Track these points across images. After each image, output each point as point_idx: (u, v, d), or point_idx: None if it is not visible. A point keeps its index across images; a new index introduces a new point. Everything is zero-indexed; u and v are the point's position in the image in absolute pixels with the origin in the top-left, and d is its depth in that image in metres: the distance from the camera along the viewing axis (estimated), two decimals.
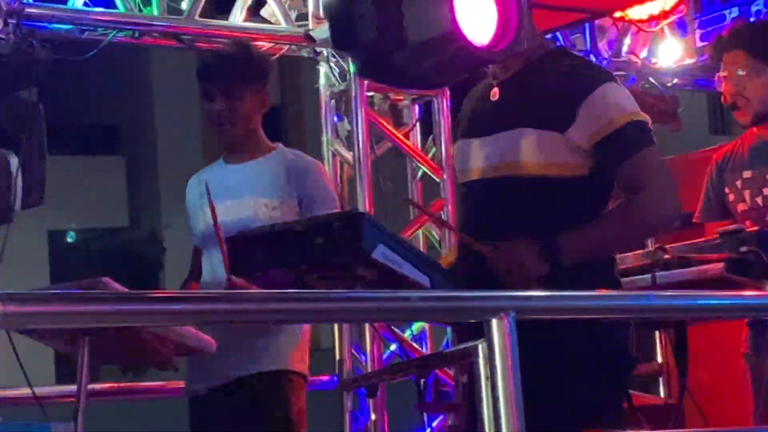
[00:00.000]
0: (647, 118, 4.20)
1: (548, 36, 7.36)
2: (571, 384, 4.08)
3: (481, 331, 3.38)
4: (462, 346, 3.63)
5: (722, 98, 5.51)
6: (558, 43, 7.54)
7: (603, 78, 4.18)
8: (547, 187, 4.15)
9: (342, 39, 4.21)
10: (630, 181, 4.12)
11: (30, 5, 5.78)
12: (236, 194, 5.25)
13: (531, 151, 4.14)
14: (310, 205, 5.19)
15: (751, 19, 6.81)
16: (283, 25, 6.37)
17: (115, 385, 5.96)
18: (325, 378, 5.66)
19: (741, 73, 5.40)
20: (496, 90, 4.29)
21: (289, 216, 5.16)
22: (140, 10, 5.99)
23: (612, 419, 4.19)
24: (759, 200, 5.40)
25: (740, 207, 5.45)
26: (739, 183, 5.47)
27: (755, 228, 4.96)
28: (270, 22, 6.44)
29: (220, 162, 5.44)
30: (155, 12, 6.01)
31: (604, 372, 4.15)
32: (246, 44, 5.65)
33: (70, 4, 5.88)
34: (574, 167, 4.14)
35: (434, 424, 5.97)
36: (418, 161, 6.67)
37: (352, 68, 6.24)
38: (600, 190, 4.20)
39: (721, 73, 5.46)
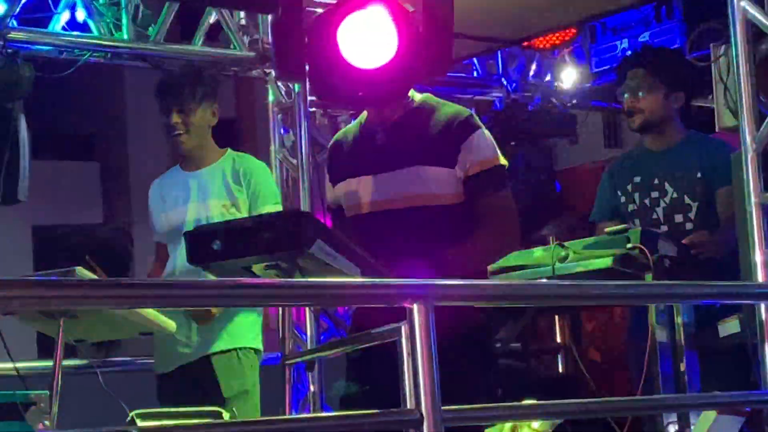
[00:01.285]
0: (506, 162, 4.30)
1: (465, 62, 7.37)
2: (475, 360, 4.11)
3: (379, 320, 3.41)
4: (387, 327, 3.62)
5: (622, 107, 5.59)
6: (474, 69, 7.55)
7: (476, 126, 4.27)
8: (438, 214, 4.20)
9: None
10: (486, 212, 4.21)
11: (15, 29, 5.74)
12: (196, 198, 5.25)
13: (429, 184, 4.20)
14: (257, 201, 5.22)
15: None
16: (238, 49, 6.34)
17: (90, 360, 5.90)
18: (271, 354, 5.63)
19: (640, 87, 5.47)
20: (380, 134, 4.31)
21: (241, 211, 5.19)
22: (112, 35, 5.94)
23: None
24: (647, 201, 5.44)
25: (630, 207, 5.49)
26: (629, 187, 5.51)
27: (640, 228, 4.98)
28: (225, 46, 6.40)
29: (177, 169, 5.42)
30: (125, 36, 5.96)
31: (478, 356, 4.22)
32: (197, 67, 5.66)
33: (50, 29, 5.84)
34: (459, 196, 4.21)
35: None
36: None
37: (296, 87, 6.23)
38: (467, 217, 4.25)
39: (624, 88, 5.53)
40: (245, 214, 5.13)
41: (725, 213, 5.16)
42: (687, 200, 5.37)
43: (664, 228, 5.32)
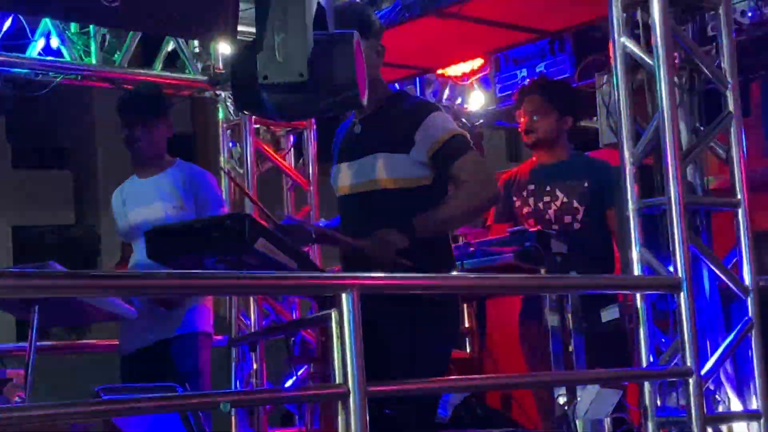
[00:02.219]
0: (465, 132, 4.21)
1: (388, 86, 7.36)
2: (407, 344, 4.03)
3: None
4: (320, 313, 3.59)
5: (519, 126, 5.61)
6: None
7: (431, 109, 4.18)
8: (399, 196, 4.11)
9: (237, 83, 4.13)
10: (458, 178, 4.08)
11: None
12: (149, 201, 5.20)
13: (386, 170, 4.13)
14: (204, 205, 5.18)
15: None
16: (192, 73, 6.28)
17: (61, 342, 5.83)
18: (219, 337, 5.58)
19: (535, 111, 5.50)
20: (358, 126, 4.28)
21: (189, 214, 5.14)
22: (82, 60, 5.89)
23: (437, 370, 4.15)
24: (540, 205, 5.47)
25: (525, 210, 5.51)
26: (525, 193, 5.53)
27: (536, 228, 4.99)
28: (182, 71, 6.35)
29: (134, 177, 5.39)
30: (93, 61, 5.92)
31: (432, 337, 4.10)
32: (155, 85, 5.61)
33: (27, 54, 5.77)
34: (418, 180, 4.11)
35: (300, 372, 5.91)
36: (292, 177, 6.63)
37: None
38: (438, 195, 4.14)
39: (522, 111, 5.55)
40: (193, 216, 5.09)
41: (614, 229, 5.20)
42: (575, 204, 5.40)
43: (556, 227, 5.35)
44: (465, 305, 6.41)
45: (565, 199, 5.43)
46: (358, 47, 3.91)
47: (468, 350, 6.44)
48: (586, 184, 5.40)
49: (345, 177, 4.25)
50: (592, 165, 5.51)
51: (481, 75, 7.27)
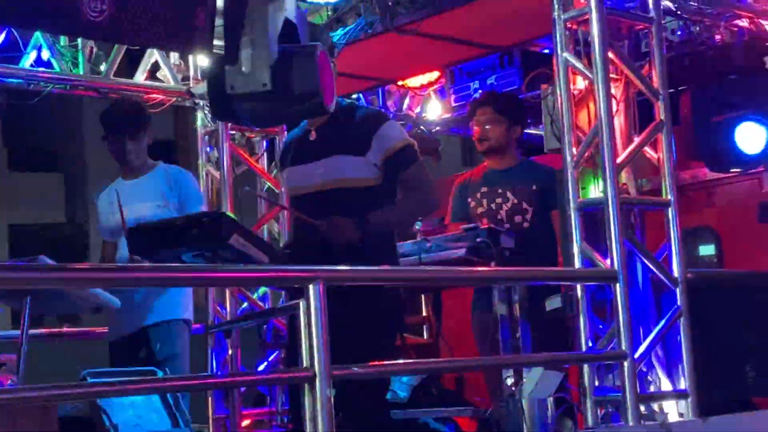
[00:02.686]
0: (414, 142, 4.30)
1: (354, 96, 7.36)
2: (365, 331, 4.08)
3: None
4: (289, 303, 3.60)
5: (473, 135, 5.64)
6: (359, 101, 7.54)
7: (384, 117, 4.29)
8: (354, 193, 4.18)
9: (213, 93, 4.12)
10: (407, 183, 4.22)
11: None
12: (136, 200, 5.19)
13: (346, 170, 4.18)
14: (185, 203, 5.18)
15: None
16: (173, 83, 6.26)
17: (53, 330, 5.79)
18: (197, 326, 5.57)
19: (487, 121, 5.53)
20: (314, 132, 4.31)
21: (173, 211, 5.13)
22: (71, 71, 5.85)
23: (390, 354, 4.20)
24: (493, 206, 5.49)
25: (479, 210, 5.54)
26: (478, 195, 5.56)
27: (487, 226, 5.02)
28: (163, 82, 6.32)
29: (120, 180, 5.37)
30: (81, 72, 5.88)
31: (385, 324, 4.19)
32: (137, 101, 5.63)
33: (21, 65, 5.73)
34: (372, 180, 4.20)
35: (271, 357, 5.91)
36: (265, 179, 6.61)
37: None
38: (388, 193, 4.25)
39: (475, 121, 5.58)
40: (176, 213, 5.08)
41: (557, 228, 5.24)
42: (524, 205, 5.43)
43: (507, 226, 5.38)
44: (423, 296, 6.44)
45: (515, 201, 5.46)
46: (323, 58, 3.93)
47: (425, 336, 6.46)
48: (533, 187, 5.43)
49: (303, 177, 4.28)
50: (538, 170, 5.55)
51: (437, 86, 7.29)
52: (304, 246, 4.19)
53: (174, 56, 6.28)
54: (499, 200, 5.50)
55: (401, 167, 4.19)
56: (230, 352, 5.76)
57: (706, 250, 5.89)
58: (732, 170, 5.62)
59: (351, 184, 4.17)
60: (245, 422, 5.78)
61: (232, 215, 4.53)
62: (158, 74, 6.35)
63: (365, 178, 4.18)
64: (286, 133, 6.77)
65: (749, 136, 5.28)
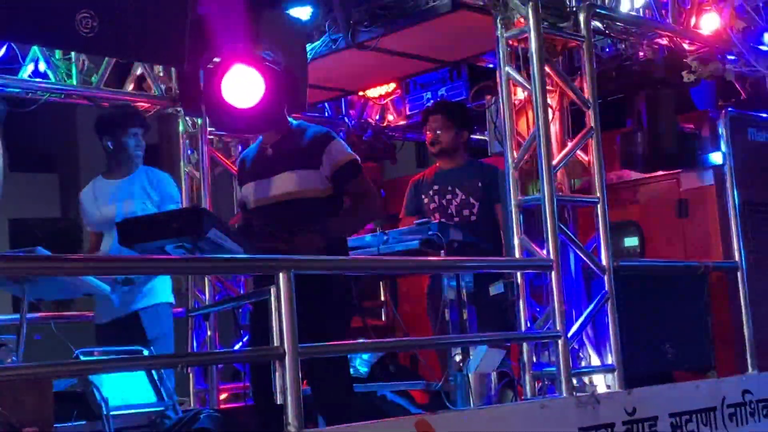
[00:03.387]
0: (358, 157, 4.34)
1: (319, 105, 7.33)
2: (323, 311, 4.10)
3: (271, 280, 3.36)
4: (261, 289, 3.59)
5: (426, 140, 5.65)
6: (325, 110, 7.52)
7: (332, 136, 4.32)
8: (310, 203, 4.22)
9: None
10: (354, 193, 4.27)
11: None
12: (122, 198, 5.15)
13: (302, 183, 4.21)
14: (166, 201, 5.16)
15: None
16: (156, 92, 6.20)
17: (48, 313, 5.71)
18: (179, 309, 5.53)
19: (439, 127, 5.54)
20: (270, 149, 4.31)
21: (154, 208, 5.10)
22: (65, 81, 5.76)
23: (344, 333, 4.21)
24: (444, 202, 5.52)
25: (432, 206, 5.55)
26: (431, 192, 5.58)
27: (438, 220, 5.03)
28: (148, 91, 6.25)
29: (101, 178, 5.33)
30: (74, 82, 5.79)
31: (339, 308, 4.21)
32: (132, 107, 5.59)
33: (19, 76, 5.64)
34: (324, 191, 4.24)
35: (245, 338, 5.86)
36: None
37: (199, 121, 6.12)
38: (335, 203, 4.29)
39: (428, 127, 5.58)
40: (157, 210, 5.06)
41: (500, 220, 5.26)
42: (472, 200, 5.46)
43: (456, 219, 5.40)
44: (381, 283, 6.45)
45: (463, 197, 5.49)
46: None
47: (383, 319, 6.47)
48: (479, 184, 5.46)
49: (264, 190, 4.29)
50: (483, 168, 5.57)
51: (394, 97, 7.29)
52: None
53: (158, 68, 6.22)
54: (449, 196, 5.53)
55: (347, 179, 4.24)
56: (209, 333, 5.72)
57: (631, 241, 5.94)
58: (659, 172, 5.67)
59: (306, 194, 4.22)
60: (223, 395, 5.75)
61: (211, 211, 4.50)
62: (144, 85, 6.28)
63: (318, 189, 4.23)
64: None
65: None
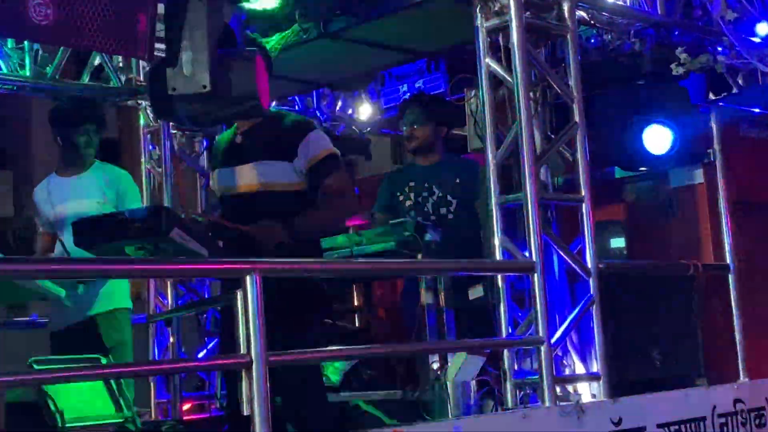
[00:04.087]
0: (337, 151, 4.31)
1: (290, 98, 7.32)
2: (293, 320, 4.10)
3: (238, 283, 3.36)
4: (227, 293, 3.58)
5: (403, 133, 5.66)
6: (296, 103, 7.51)
7: (311, 126, 4.29)
8: (280, 197, 4.20)
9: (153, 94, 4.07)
10: (330, 189, 4.23)
11: None
12: (76, 196, 5.13)
13: (273, 175, 4.18)
14: (123, 199, 5.13)
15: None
16: (116, 83, 6.17)
17: None
18: (139, 315, 5.52)
19: (415, 121, 5.55)
20: (240, 137, 4.28)
21: (110, 207, 5.08)
22: (17, 72, 5.73)
23: (318, 335, 4.21)
24: (419, 199, 5.54)
25: (407, 203, 5.57)
26: (407, 189, 5.59)
27: (414, 221, 5.05)
28: (107, 82, 6.22)
29: (54, 176, 5.30)
30: (28, 73, 5.75)
31: (310, 313, 4.21)
32: (89, 99, 5.56)
33: None
34: (297, 185, 4.21)
35: (210, 345, 5.86)
36: (204, 177, 6.56)
37: None
38: (310, 198, 4.27)
39: (404, 121, 5.60)
40: (113, 209, 5.04)
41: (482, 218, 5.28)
42: (449, 198, 5.48)
43: (433, 218, 5.42)
44: (354, 286, 6.44)
45: (440, 194, 5.50)
46: (260, 62, 3.91)
47: (357, 324, 6.47)
48: (457, 180, 5.48)
49: (230, 179, 4.27)
50: (462, 163, 5.59)
51: (369, 89, 7.28)
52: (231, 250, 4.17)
53: (117, 58, 6.18)
54: (425, 194, 5.54)
55: (324, 175, 4.21)
56: (171, 340, 5.71)
57: (617, 242, 5.97)
58: (641, 168, 5.70)
59: (277, 188, 4.19)
60: (186, 406, 5.74)
61: (173, 209, 4.49)
62: (103, 75, 6.25)
63: (290, 183, 4.20)
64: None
65: (656, 137, 5.36)
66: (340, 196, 4.22)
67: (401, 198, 5.61)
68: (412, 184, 5.59)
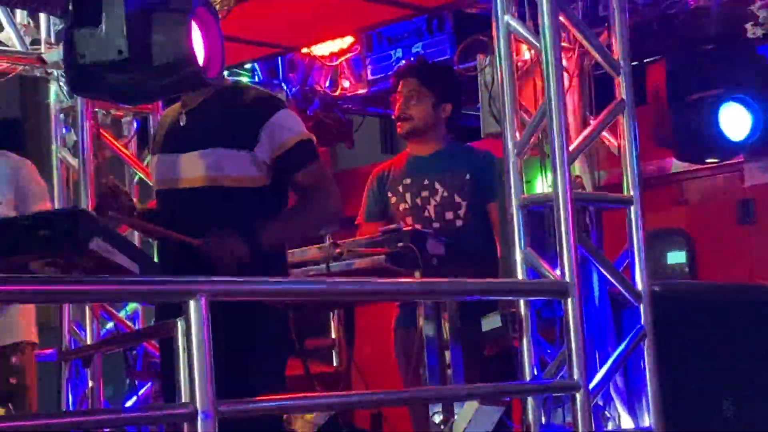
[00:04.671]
0: (312, 136, 4.33)
1: (247, 66, 7.34)
2: (246, 357, 4.11)
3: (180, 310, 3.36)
4: (164, 322, 3.58)
5: (393, 114, 5.67)
6: (256, 73, 7.53)
7: (278, 104, 4.29)
8: (236, 195, 4.20)
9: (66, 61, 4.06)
10: (303, 186, 4.24)
11: None
12: None
13: (226, 166, 4.18)
14: (24, 198, 5.13)
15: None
16: (19, 48, 6.16)
17: None
18: (47, 351, 5.52)
19: (411, 96, 5.56)
20: (183, 116, 4.29)
21: (8, 209, 5.07)
22: None
23: (278, 384, 4.21)
24: (418, 201, 5.55)
25: (402, 207, 5.58)
26: (400, 188, 5.60)
27: (410, 228, 5.06)
28: (6, 46, 6.21)
29: None
30: None
31: (271, 349, 4.21)
32: None
33: None
34: (258, 179, 4.21)
35: (142, 391, 5.85)
36: (135, 168, 6.55)
37: None
38: (278, 196, 4.27)
39: (397, 94, 5.61)
40: (12, 213, 5.03)
41: (496, 224, 5.28)
42: (457, 199, 5.49)
43: (436, 225, 5.43)
44: (331, 314, 6.45)
45: (445, 194, 5.51)
46: (204, 17, 3.90)
47: (334, 363, 6.47)
48: (467, 176, 5.48)
49: (171, 169, 4.28)
50: (473, 155, 5.60)
51: (351, 55, 7.32)
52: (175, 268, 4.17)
53: (22, 14, 6.18)
54: (425, 193, 5.55)
55: (296, 168, 4.21)
56: (90, 384, 5.70)
57: (676, 257, 5.99)
58: (708, 161, 5.73)
59: (231, 183, 4.19)
60: None
61: (92, 213, 4.48)
62: (1, 36, 6.24)
63: (250, 177, 4.20)
64: (162, 111, 6.73)
65: (730, 120, 5.39)
66: (317, 196, 4.22)
67: (394, 200, 5.61)
68: (407, 181, 5.60)
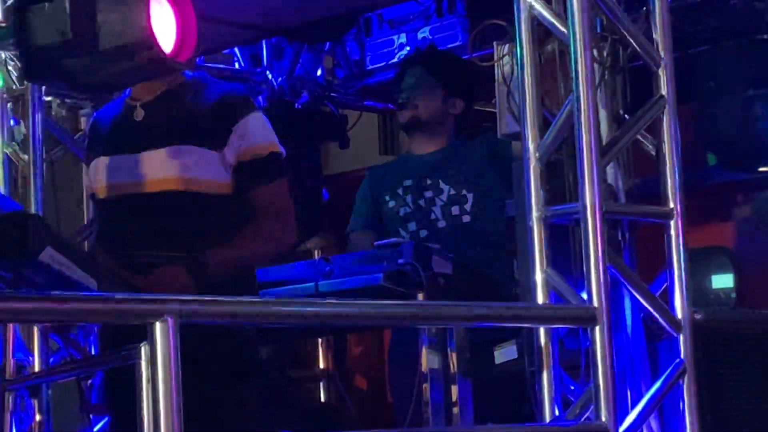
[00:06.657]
0: (282, 150, 4.33)
1: (226, 51, 7.34)
2: (215, 389, 4.13)
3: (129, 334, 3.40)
4: (125, 348, 3.57)
5: (399, 103, 5.75)
6: (237, 60, 7.53)
7: (251, 106, 4.32)
8: (205, 203, 4.21)
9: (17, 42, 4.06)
10: (262, 204, 4.24)
11: None
12: None
13: (194, 167, 4.19)
14: None
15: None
16: None
17: None
18: None
19: (418, 86, 5.60)
20: (140, 111, 4.29)
21: None
22: None
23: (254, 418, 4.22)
24: (422, 203, 5.58)
25: (402, 212, 5.60)
26: (400, 190, 5.62)
27: (412, 237, 5.07)
28: None
29: None
30: None
31: (243, 378, 4.23)
32: None
33: None
34: (223, 186, 4.23)
35: (98, 426, 5.85)
36: None
37: None
38: (236, 208, 4.26)
39: (403, 84, 5.65)
40: None
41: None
42: (463, 191, 5.53)
43: (443, 225, 5.46)
44: (320, 341, 6.46)
45: (452, 191, 5.54)
46: None
47: (322, 398, 6.48)
48: (477, 157, 5.51)
49: (120, 172, 4.28)
50: (484, 138, 5.60)
51: (347, 40, 7.31)
52: None
53: None
54: (429, 194, 5.59)
55: (258, 181, 4.22)
56: (38, 418, 5.70)
57: (722, 281, 5.99)
58: (761, 169, 5.73)
59: (199, 187, 4.20)
60: None
61: (44, 219, 4.48)
62: None
63: (219, 183, 4.21)
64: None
65: None
66: (275, 217, 4.23)
67: (392, 204, 5.63)
68: (408, 183, 5.63)
